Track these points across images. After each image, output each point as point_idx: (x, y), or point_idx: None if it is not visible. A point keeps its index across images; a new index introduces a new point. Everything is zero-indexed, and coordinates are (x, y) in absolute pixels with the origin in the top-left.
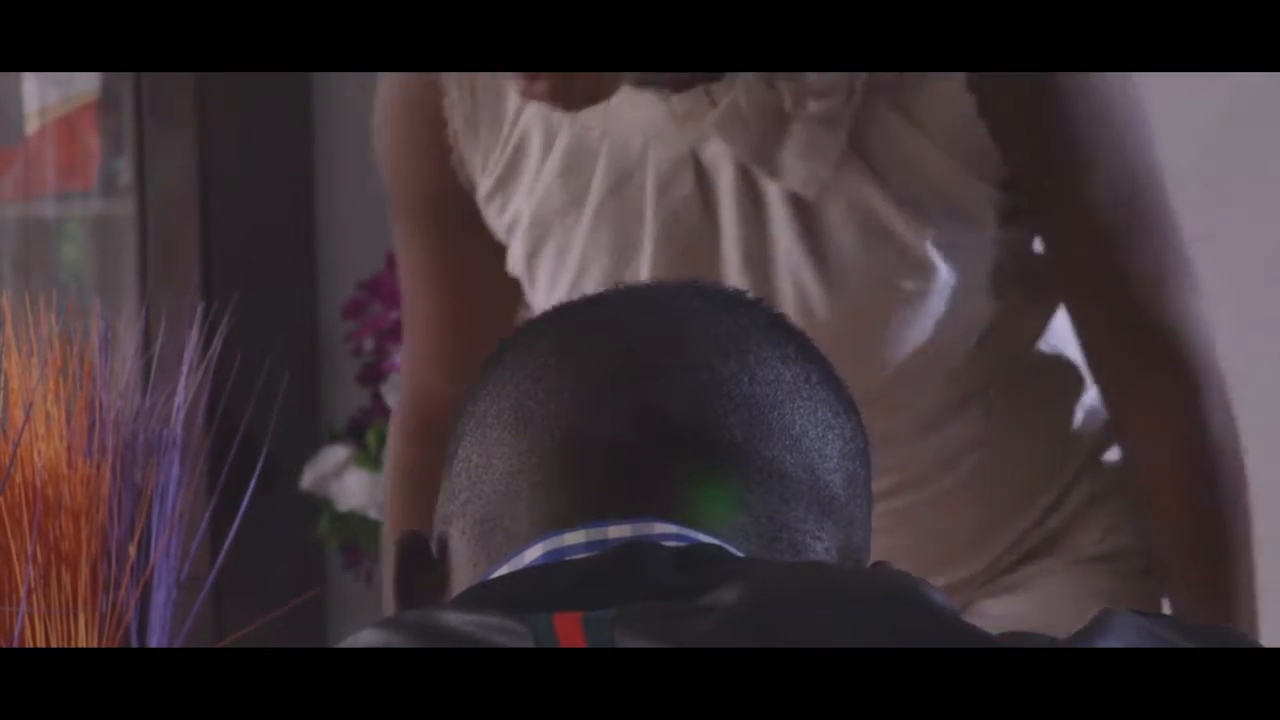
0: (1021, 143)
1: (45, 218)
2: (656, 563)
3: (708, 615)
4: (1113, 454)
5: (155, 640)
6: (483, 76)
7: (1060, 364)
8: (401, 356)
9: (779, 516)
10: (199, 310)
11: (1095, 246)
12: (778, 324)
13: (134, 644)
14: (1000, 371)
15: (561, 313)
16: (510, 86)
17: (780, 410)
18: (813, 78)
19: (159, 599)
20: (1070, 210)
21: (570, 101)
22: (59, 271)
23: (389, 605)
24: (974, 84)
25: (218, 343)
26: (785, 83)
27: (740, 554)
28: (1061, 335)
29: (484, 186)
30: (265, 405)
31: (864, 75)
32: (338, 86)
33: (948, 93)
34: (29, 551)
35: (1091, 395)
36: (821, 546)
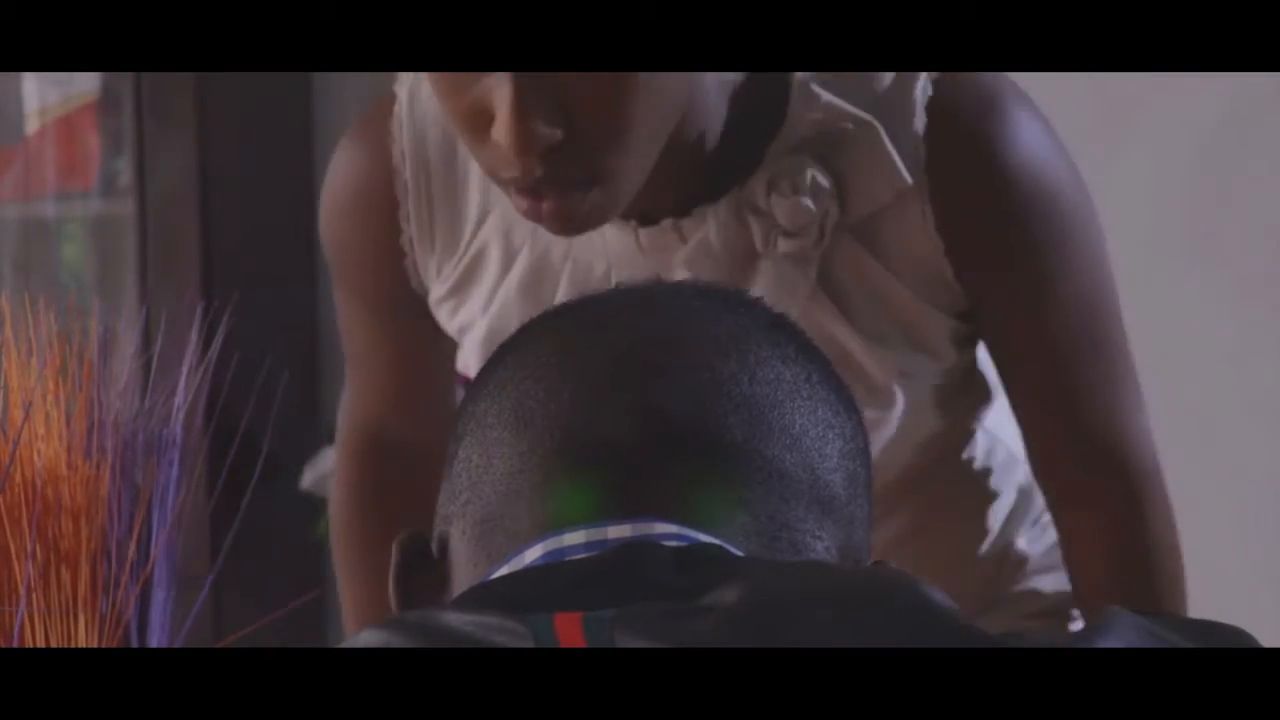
0: (985, 276)
1: (45, 218)
2: (656, 563)
3: (708, 615)
4: (1033, 537)
5: (155, 640)
6: (440, 187)
7: (991, 463)
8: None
9: (779, 516)
10: (199, 310)
11: (1049, 367)
12: (778, 324)
13: (134, 644)
14: (935, 473)
15: (562, 312)
16: (470, 197)
17: (780, 410)
18: (783, 216)
19: (159, 599)
20: (1027, 333)
21: (572, 227)
22: (59, 271)
23: (350, 617)
24: (941, 225)
25: (217, 343)
26: (756, 220)
27: (740, 554)
28: (997, 421)
29: (436, 292)
30: (265, 405)
31: (835, 214)
32: (338, 86)
33: (914, 230)
34: (29, 551)
35: (1022, 477)
36: (821, 546)
